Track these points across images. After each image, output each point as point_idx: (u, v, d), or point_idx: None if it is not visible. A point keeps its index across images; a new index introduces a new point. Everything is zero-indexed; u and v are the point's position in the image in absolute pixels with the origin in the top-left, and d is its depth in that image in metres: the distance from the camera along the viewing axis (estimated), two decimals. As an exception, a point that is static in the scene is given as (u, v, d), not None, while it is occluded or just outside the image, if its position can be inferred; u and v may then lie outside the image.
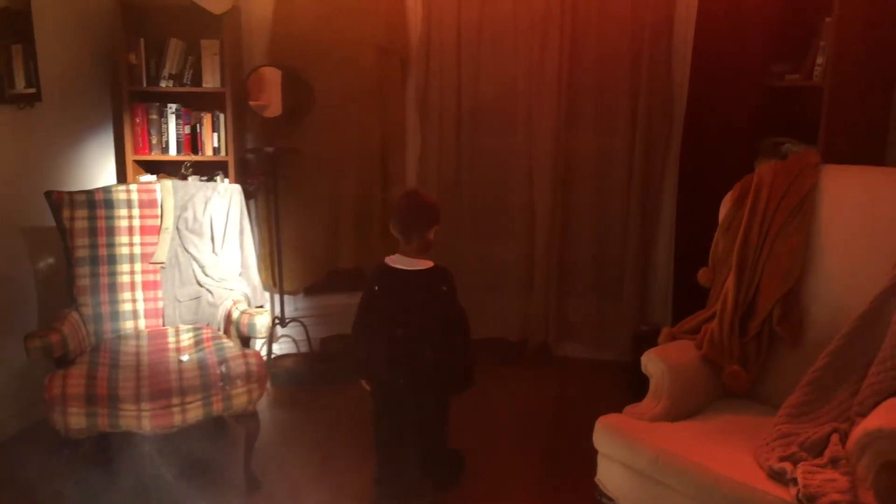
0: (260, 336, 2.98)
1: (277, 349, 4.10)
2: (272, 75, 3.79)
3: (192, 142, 3.72)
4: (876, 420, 1.95)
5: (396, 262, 2.63)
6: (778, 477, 1.98)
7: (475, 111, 4.09)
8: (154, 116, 3.66)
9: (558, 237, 4.12)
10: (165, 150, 3.70)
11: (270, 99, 3.81)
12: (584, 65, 3.96)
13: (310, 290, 4.26)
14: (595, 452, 2.39)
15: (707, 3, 3.63)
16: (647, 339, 3.29)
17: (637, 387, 2.81)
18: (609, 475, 2.36)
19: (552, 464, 3.09)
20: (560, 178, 4.07)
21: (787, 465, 1.97)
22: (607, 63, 3.93)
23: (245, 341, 3.01)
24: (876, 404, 2.07)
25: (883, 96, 3.13)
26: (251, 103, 3.74)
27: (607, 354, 4.18)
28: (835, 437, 2.04)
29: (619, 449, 2.29)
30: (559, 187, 4.07)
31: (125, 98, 3.57)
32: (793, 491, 1.90)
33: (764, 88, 3.43)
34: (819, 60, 3.10)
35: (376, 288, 2.67)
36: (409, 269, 2.61)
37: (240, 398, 2.69)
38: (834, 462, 1.95)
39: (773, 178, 2.65)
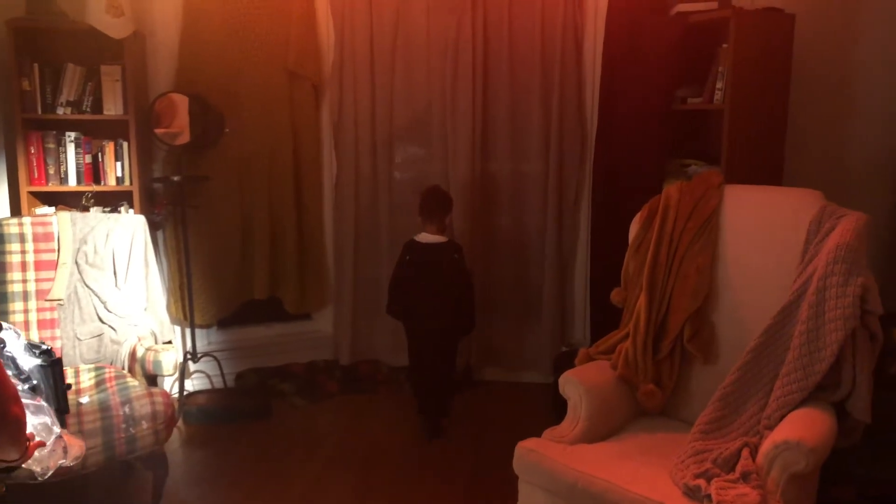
0: (167, 373, 2.84)
1: (190, 386, 3.93)
2: (179, 102, 3.67)
3: (94, 171, 3.55)
4: (782, 433, 2.01)
5: (422, 238, 3.53)
6: (693, 494, 2.00)
7: (391, 137, 4.07)
8: (51, 145, 3.47)
9: (478, 261, 4.12)
10: (64, 180, 3.51)
11: (178, 126, 3.68)
12: (497, 92, 4.02)
13: (223, 323, 4.11)
14: (517, 478, 2.37)
15: (613, 33, 3.73)
16: (567, 361, 3.31)
17: (559, 409, 2.81)
18: (530, 502, 2.33)
19: (474, 491, 3.05)
20: (478, 202, 4.08)
21: (702, 482, 1.99)
22: (520, 90, 4.00)
23: (151, 379, 2.87)
24: (782, 417, 2.13)
25: (778, 118, 3.28)
26: (157, 131, 3.61)
27: (529, 377, 4.19)
28: (745, 452, 2.08)
29: (538, 474, 2.27)
30: (477, 212, 4.09)
31: (18, 126, 3.37)
32: (707, 507, 1.93)
33: (669, 112, 3.54)
34: (719, 85, 3.22)
35: (408, 257, 3.56)
36: (431, 242, 3.51)
37: (145, 439, 2.55)
38: (745, 476, 1.99)
39: (680, 199, 2.72)
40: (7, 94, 3.40)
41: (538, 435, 2.42)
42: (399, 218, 4.13)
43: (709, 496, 1.94)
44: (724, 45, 3.18)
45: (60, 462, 1.49)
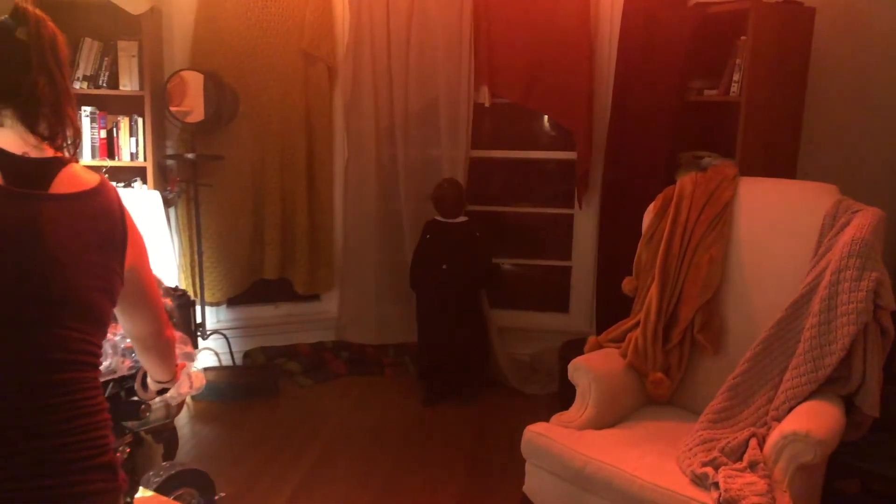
0: (178, 349, 2.86)
1: (198, 362, 3.96)
2: (194, 79, 3.67)
3: (109, 146, 3.57)
4: (790, 424, 2.02)
5: (442, 218, 3.76)
6: (700, 482, 2.02)
7: (403, 120, 4.06)
8: (66, 119, 3.48)
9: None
10: (79, 154, 3.52)
11: (192, 104, 3.69)
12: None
13: (233, 301, 4.14)
14: (523, 462, 2.40)
15: (629, 22, 3.71)
16: (573, 348, 3.33)
17: (564, 395, 2.83)
18: (536, 484, 2.36)
19: (478, 473, 3.08)
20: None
21: (709, 470, 2.01)
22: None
23: (163, 354, 2.89)
24: (791, 409, 2.14)
25: (794, 112, 3.27)
26: (171, 109, 3.61)
27: (536, 363, 4.20)
28: (753, 442, 2.09)
29: (546, 458, 2.29)
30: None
31: (34, 99, 3.38)
32: (714, 495, 1.94)
33: (684, 104, 3.52)
34: (735, 77, 3.21)
35: (428, 236, 3.76)
36: (452, 221, 3.74)
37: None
38: (753, 466, 2.00)
39: (694, 190, 2.72)
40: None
41: (543, 420, 2.44)
42: (409, 201, 4.13)
43: (716, 484, 1.96)
44: (743, 38, 3.16)
45: (188, 392, 1.67)
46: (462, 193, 3.77)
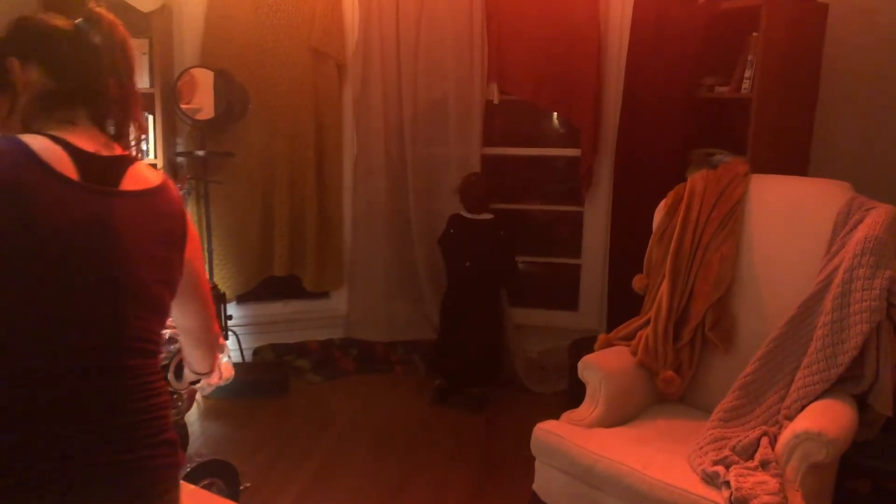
0: (188, 345, 2.87)
1: (208, 359, 3.97)
2: (204, 77, 3.68)
3: (119, 144, 3.57)
4: (803, 423, 2.01)
5: (467, 214, 3.73)
6: (711, 480, 2.01)
7: (413, 117, 4.05)
8: (77, 117, 3.50)
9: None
10: (89, 152, 3.54)
11: (202, 101, 3.70)
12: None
13: (242, 298, 4.14)
14: (532, 460, 2.39)
15: (639, 18, 3.69)
16: (583, 346, 3.32)
17: (574, 393, 2.82)
18: (546, 482, 2.35)
19: (488, 472, 3.07)
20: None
21: (720, 469, 2.00)
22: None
23: (172, 351, 2.90)
24: (803, 407, 2.13)
25: (807, 108, 3.25)
26: (182, 106, 3.62)
27: (545, 361, 4.20)
28: (765, 441, 2.08)
29: (556, 456, 2.28)
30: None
31: (45, 97, 3.40)
32: (725, 494, 1.93)
33: (695, 101, 3.51)
34: (747, 74, 3.19)
35: (452, 231, 3.73)
36: (476, 218, 3.70)
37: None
38: (764, 464, 1.99)
39: (705, 188, 2.71)
40: (35, 64, 3.42)
41: (552, 418, 2.44)
42: (418, 198, 4.12)
43: (727, 483, 1.95)
44: (755, 34, 3.14)
45: (217, 382, 1.71)
46: (486, 189, 3.72)
